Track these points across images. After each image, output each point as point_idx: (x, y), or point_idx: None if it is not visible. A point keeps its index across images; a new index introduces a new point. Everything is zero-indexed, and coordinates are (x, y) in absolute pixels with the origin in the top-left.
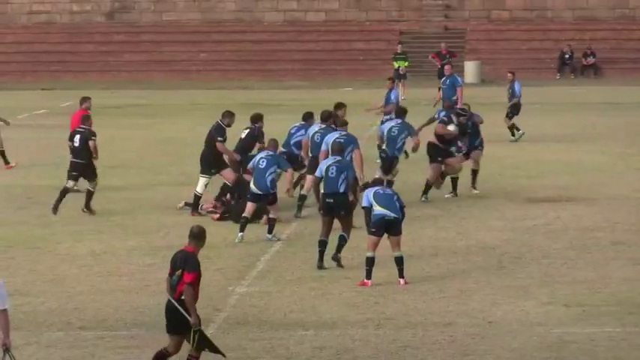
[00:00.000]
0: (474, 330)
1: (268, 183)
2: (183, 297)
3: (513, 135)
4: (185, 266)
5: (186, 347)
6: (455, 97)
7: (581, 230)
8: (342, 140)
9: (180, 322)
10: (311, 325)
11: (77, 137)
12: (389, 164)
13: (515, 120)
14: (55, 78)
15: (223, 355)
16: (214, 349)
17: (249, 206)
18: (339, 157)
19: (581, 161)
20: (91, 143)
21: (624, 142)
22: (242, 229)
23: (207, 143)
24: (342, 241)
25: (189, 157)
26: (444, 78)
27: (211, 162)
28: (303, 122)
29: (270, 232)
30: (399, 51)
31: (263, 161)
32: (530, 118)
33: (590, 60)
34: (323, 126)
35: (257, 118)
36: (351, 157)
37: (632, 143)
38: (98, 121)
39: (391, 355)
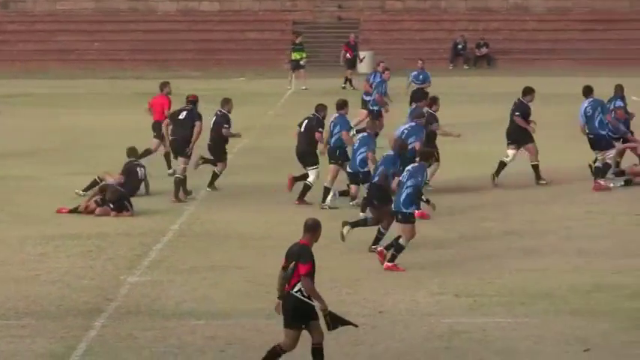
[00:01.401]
0: (365, 319)
1: (357, 162)
2: (295, 290)
3: None
4: (299, 258)
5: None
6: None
7: (473, 220)
8: None
9: (302, 314)
10: (203, 315)
11: None
12: None
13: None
14: None
15: (355, 325)
16: (347, 322)
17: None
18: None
19: (475, 151)
20: None
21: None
22: (363, 210)
23: (216, 133)
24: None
25: (86, 147)
26: (415, 73)
27: (220, 151)
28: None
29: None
30: (297, 41)
31: (357, 142)
32: None
33: (484, 50)
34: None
35: (321, 109)
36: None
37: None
38: None
39: None
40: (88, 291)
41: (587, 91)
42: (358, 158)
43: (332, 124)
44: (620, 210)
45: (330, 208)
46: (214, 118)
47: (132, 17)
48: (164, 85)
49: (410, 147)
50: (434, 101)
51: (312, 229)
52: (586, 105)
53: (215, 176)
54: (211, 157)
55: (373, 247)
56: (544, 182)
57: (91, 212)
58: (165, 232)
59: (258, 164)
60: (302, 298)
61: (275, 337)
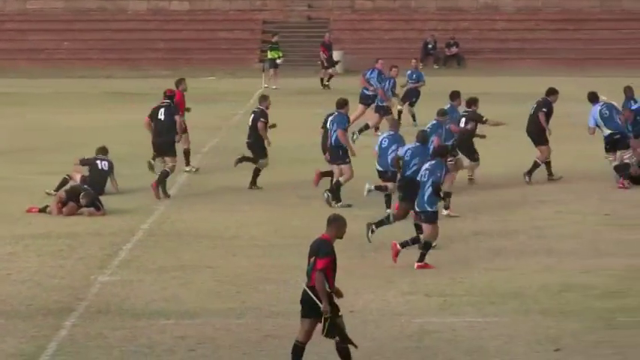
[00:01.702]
0: None
1: (389, 161)
2: (315, 285)
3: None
4: (317, 253)
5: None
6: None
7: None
8: None
9: (312, 308)
10: (172, 314)
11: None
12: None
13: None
14: None
15: (355, 346)
16: (345, 339)
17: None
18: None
19: None
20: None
21: (488, 132)
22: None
23: (255, 130)
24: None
25: (57, 146)
26: (409, 72)
27: (260, 148)
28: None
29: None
30: (273, 40)
31: (385, 140)
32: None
33: (454, 50)
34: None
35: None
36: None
37: (496, 134)
38: None
39: (253, 345)
40: (58, 290)
41: (594, 97)
42: (390, 157)
43: (330, 122)
44: (590, 210)
45: (342, 206)
46: (252, 116)
47: (102, 16)
48: (180, 82)
49: (335, 135)
50: (474, 102)
51: (334, 223)
52: (599, 108)
53: (257, 173)
54: (251, 156)
55: (374, 225)
56: (556, 178)
57: (61, 213)
58: (136, 232)
59: (229, 164)
60: (311, 295)
61: (245, 336)
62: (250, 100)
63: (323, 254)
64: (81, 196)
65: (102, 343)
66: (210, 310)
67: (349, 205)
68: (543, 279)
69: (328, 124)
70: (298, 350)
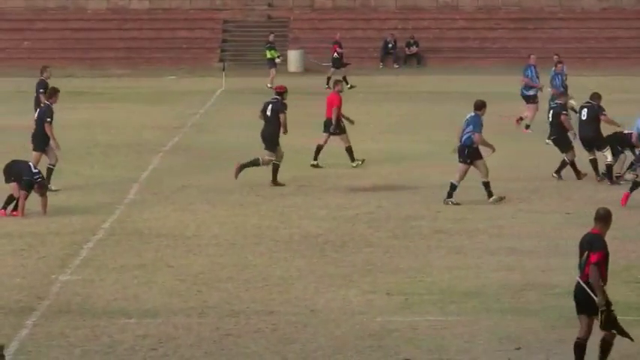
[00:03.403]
0: (297, 318)
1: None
2: (590, 279)
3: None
4: (591, 248)
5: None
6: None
7: (403, 219)
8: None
9: (588, 302)
10: (134, 313)
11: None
12: None
13: None
14: None
15: (631, 339)
16: (621, 332)
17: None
18: None
19: (405, 150)
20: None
21: (447, 131)
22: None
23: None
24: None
25: (16, 147)
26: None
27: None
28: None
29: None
30: (270, 39)
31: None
32: (353, 107)
33: (413, 49)
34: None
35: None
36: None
37: (455, 132)
38: None
39: (214, 343)
40: (19, 290)
41: None
42: (464, 137)
43: (465, 122)
44: (550, 209)
45: (453, 204)
46: (270, 106)
47: (62, 15)
48: (336, 84)
49: (466, 136)
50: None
51: (604, 218)
52: None
53: (277, 169)
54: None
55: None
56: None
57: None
58: (97, 231)
59: (189, 163)
60: (586, 289)
61: (206, 335)
62: (211, 99)
63: (597, 248)
64: (36, 187)
65: (63, 343)
66: (172, 309)
67: (502, 198)
68: (504, 278)
69: (463, 122)
70: (581, 347)
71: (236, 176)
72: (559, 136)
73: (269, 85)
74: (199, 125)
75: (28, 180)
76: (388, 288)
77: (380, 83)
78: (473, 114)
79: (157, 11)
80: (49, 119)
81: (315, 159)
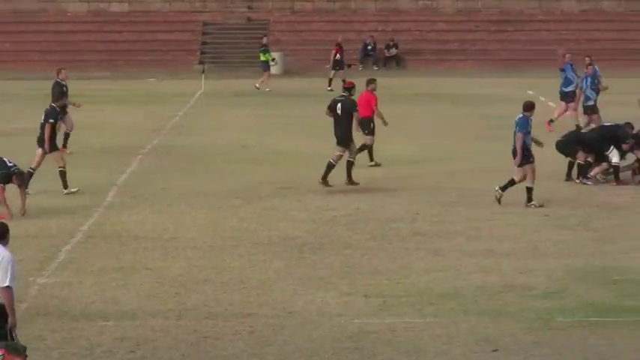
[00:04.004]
0: (275, 320)
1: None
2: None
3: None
4: None
5: None
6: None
7: (381, 221)
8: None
9: None
10: (112, 316)
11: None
12: None
13: None
14: None
15: None
16: None
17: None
18: None
19: (384, 152)
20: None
21: (429, 133)
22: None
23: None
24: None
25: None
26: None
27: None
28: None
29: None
30: (263, 42)
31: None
32: None
33: (393, 51)
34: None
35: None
36: None
37: (436, 134)
38: None
39: (191, 346)
40: None
41: None
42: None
43: (515, 123)
44: (529, 210)
45: (536, 207)
46: (339, 105)
47: (42, 18)
48: (369, 82)
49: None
50: None
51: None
52: None
53: (351, 166)
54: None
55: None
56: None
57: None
58: (75, 234)
59: (168, 165)
60: None
61: (184, 338)
62: (190, 102)
63: None
64: (14, 178)
65: (41, 345)
66: (150, 312)
67: (541, 206)
68: (482, 280)
69: (514, 124)
70: None
71: (325, 184)
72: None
73: (257, 86)
74: (179, 127)
75: (4, 173)
76: (366, 290)
77: (359, 85)
78: (521, 115)
79: (137, 14)
80: (51, 120)
81: (372, 159)
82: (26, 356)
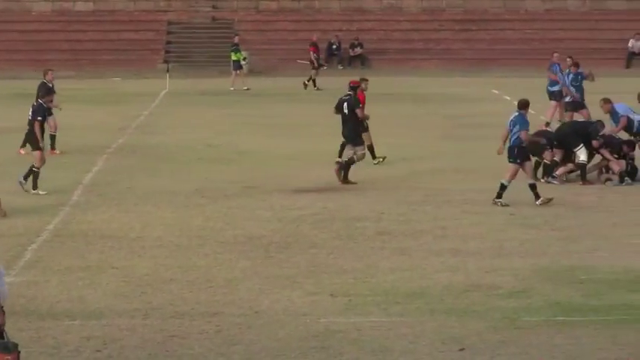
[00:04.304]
0: (241, 319)
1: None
2: None
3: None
4: None
5: None
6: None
7: (347, 220)
8: None
9: None
10: (78, 315)
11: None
12: None
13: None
14: None
15: None
16: None
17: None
18: None
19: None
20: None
21: (393, 132)
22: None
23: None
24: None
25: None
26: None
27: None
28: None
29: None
30: (235, 42)
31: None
32: (298, 108)
33: (358, 50)
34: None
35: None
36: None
37: (401, 134)
38: None
39: (158, 345)
40: None
41: None
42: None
43: (511, 122)
44: (495, 210)
45: (502, 205)
46: (345, 104)
47: (7, 17)
48: (361, 81)
49: (515, 136)
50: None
51: None
52: None
53: (350, 165)
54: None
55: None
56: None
57: None
58: (41, 232)
59: (134, 164)
60: None
61: (151, 337)
62: (155, 101)
63: None
64: None
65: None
66: (116, 311)
67: (550, 199)
68: (448, 279)
69: (508, 123)
70: None
71: (340, 179)
72: None
73: (232, 88)
74: (144, 127)
75: None
76: (332, 289)
77: (324, 84)
78: (517, 113)
79: (102, 13)
80: (39, 118)
81: (374, 157)
82: (19, 352)
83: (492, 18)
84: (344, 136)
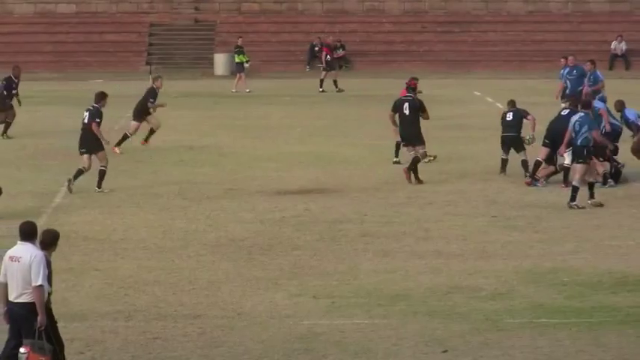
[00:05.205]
0: (224, 322)
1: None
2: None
3: None
4: None
5: None
6: (580, 88)
7: (330, 222)
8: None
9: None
10: (61, 317)
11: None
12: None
13: None
14: None
15: None
16: None
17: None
18: None
19: (332, 153)
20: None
21: (375, 134)
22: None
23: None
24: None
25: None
26: (568, 69)
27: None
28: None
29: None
30: (238, 44)
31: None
32: (280, 110)
33: (340, 52)
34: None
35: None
36: None
37: (382, 135)
38: None
39: (141, 347)
40: None
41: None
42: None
43: (578, 123)
44: (478, 212)
45: (578, 207)
46: (407, 104)
47: None
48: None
49: (583, 137)
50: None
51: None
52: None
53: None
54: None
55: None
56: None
57: None
58: None
59: (116, 166)
60: None
61: (133, 339)
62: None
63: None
64: None
65: None
66: (99, 313)
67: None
68: (431, 281)
69: (574, 124)
70: None
71: (412, 181)
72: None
73: (234, 90)
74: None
75: None
76: (315, 291)
77: (307, 86)
78: (582, 114)
79: (84, 15)
80: (97, 120)
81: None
82: (52, 356)
83: (475, 20)
84: (402, 137)
